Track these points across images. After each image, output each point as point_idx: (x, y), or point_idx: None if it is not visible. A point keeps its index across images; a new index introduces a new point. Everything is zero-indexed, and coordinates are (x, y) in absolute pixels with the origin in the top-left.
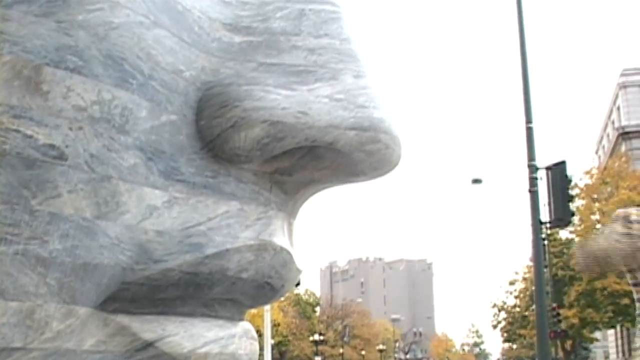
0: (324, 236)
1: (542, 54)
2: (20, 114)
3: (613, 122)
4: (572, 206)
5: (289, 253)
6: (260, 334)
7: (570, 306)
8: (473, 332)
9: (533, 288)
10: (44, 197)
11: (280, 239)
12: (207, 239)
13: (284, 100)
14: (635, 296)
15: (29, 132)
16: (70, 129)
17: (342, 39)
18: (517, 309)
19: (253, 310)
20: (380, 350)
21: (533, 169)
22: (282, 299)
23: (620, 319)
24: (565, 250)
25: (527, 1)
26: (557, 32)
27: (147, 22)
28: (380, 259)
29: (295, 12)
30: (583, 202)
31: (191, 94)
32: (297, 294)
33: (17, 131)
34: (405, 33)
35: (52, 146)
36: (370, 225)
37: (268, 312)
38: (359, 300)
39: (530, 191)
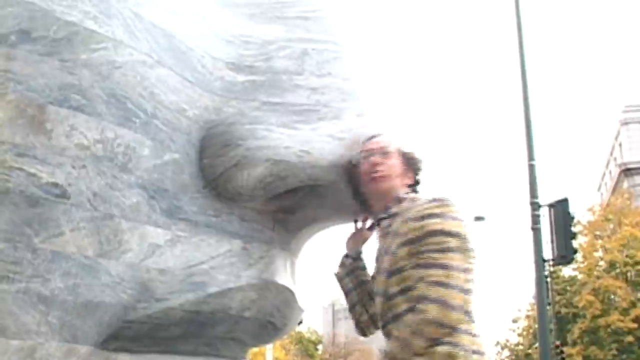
0: (325, 274)
1: (544, 91)
2: (23, 152)
3: (615, 159)
4: (575, 243)
5: (291, 292)
6: None
7: (574, 344)
8: None
9: (536, 326)
10: (47, 235)
11: (282, 278)
12: (210, 278)
13: (287, 139)
14: None
15: (32, 171)
16: (73, 167)
17: (345, 77)
18: (521, 347)
19: (254, 349)
20: None
21: (535, 206)
22: (284, 337)
23: (624, 357)
24: (568, 288)
25: (528, 37)
26: (559, 69)
27: (151, 61)
28: None
29: (298, 51)
30: (586, 239)
31: (194, 132)
32: (299, 332)
33: (20, 169)
34: (404, 64)
35: (55, 184)
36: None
37: (270, 351)
38: (362, 338)
39: (532, 228)
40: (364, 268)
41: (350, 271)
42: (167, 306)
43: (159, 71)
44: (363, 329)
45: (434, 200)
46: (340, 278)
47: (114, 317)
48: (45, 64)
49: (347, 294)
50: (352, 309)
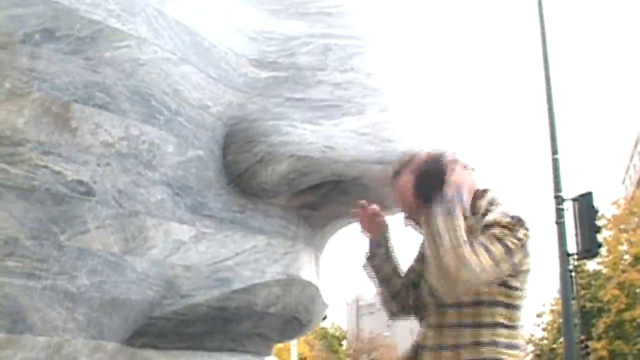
0: (349, 269)
1: (567, 84)
2: (49, 150)
3: (639, 152)
4: (600, 237)
5: (316, 287)
6: None
7: (599, 338)
8: None
9: (561, 320)
10: (73, 232)
11: (307, 274)
12: (235, 274)
13: (310, 135)
14: None
15: (57, 169)
16: (98, 165)
17: (368, 73)
18: (545, 342)
19: (279, 344)
20: None
21: (559, 200)
22: (309, 332)
23: None
24: (593, 282)
25: (551, 30)
26: (582, 63)
27: (174, 59)
28: None
29: (320, 47)
30: (610, 232)
31: (218, 129)
32: (324, 328)
33: (45, 167)
34: (426, 59)
35: (81, 182)
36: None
37: (294, 346)
38: (386, 333)
39: (556, 222)
40: (395, 253)
41: (387, 258)
42: (193, 302)
43: (182, 68)
44: (418, 308)
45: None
46: (377, 268)
47: (140, 313)
48: (70, 63)
49: (388, 280)
50: (396, 295)
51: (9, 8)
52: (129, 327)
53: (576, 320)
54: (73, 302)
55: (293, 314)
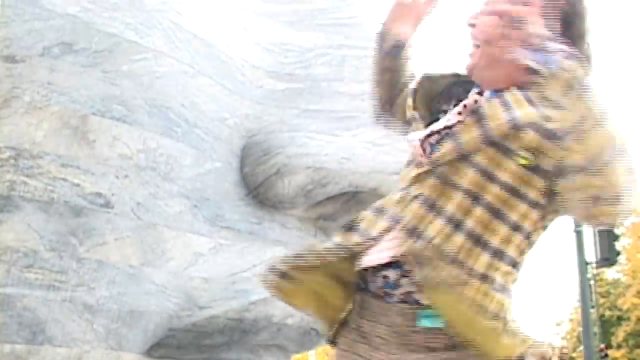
0: None
1: None
2: (67, 162)
3: None
4: (619, 245)
5: None
6: None
7: (619, 347)
8: None
9: (580, 329)
10: (91, 244)
11: None
12: (253, 286)
13: (327, 146)
14: None
15: (76, 181)
16: (117, 177)
17: None
18: (565, 351)
19: (297, 355)
20: None
21: None
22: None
23: None
24: (612, 290)
25: None
26: (604, 65)
27: (192, 71)
28: None
29: (337, 58)
30: (629, 240)
31: (235, 141)
32: None
33: (64, 180)
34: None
35: (99, 194)
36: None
37: (313, 357)
38: None
39: (575, 231)
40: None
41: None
42: (211, 314)
43: (199, 81)
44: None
45: None
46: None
47: (159, 325)
48: (88, 76)
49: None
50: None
51: (28, 22)
52: (148, 339)
53: (596, 329)
54: (92, 313)
55: (311, 325)
